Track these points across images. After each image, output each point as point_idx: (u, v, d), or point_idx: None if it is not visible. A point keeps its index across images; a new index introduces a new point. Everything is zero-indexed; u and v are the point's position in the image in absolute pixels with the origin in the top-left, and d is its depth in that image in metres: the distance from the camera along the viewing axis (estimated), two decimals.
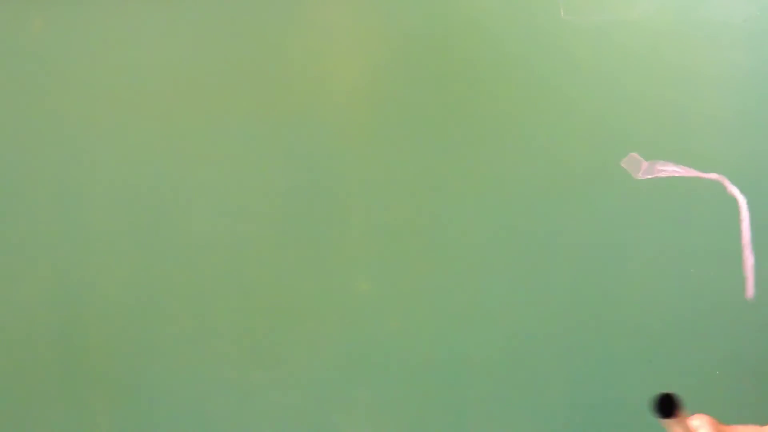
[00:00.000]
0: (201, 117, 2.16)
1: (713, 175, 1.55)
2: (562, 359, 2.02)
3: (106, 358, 2.19)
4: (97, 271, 2.19)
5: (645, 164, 1.56)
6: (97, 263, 2.19)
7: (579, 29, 1.98)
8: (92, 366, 2.20)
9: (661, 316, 1.98)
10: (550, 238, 2.02)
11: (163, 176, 2.17)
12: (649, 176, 1.54)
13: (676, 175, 1.55)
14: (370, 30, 2.11)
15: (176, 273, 2.17)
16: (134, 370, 2.19)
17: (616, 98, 1.98)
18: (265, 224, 2.13)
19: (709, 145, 1.95)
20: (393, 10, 2.08)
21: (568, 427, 2.02)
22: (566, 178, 2.00)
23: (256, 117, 2.14)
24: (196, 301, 2.16)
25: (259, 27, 2.14)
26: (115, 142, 2.18)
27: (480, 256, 2.05)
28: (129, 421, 2.19)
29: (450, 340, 2.07)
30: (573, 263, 2.01)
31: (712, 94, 1.95)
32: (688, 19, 1.95)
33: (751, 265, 1.50)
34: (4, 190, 2.24)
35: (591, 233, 2.00)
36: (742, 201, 1.49)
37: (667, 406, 1.07)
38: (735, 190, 1.48)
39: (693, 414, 1.32)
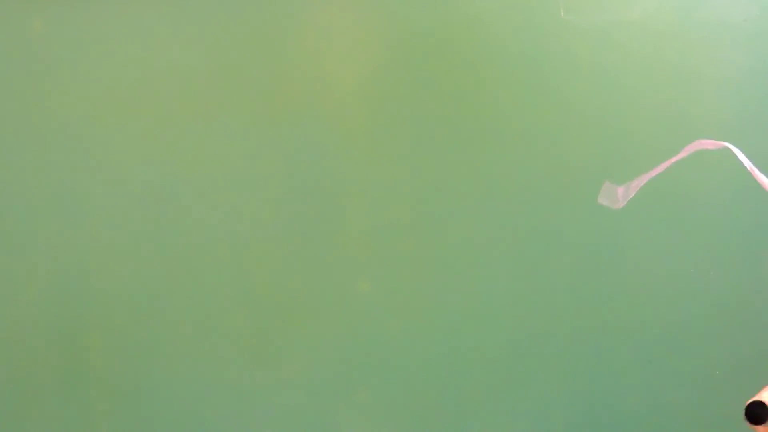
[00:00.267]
0: (201, 117, 2.16)
1: (686, 150, 1.55)
2: (563, 359, 2.02)
3: (106, 358, 2.19)
4: (97, 271, 2.19)
5: (620, 189, 1.55)
6: (98, 263, 2.19)
7: (579, 29, 1.98)
8: (92, 366, 2.20)
9: (661, 316, 1.98)
10: (550, 238, 2.02)
11: (164, 176, 2.17)
12: (629, 198, 1.54)
13: (655, 174, 1.55)
14: (370, 30, 2.11)
15: (176, 273, 2.17)
16: (134, 370, 2.18)
17: (616, 98, 1.98)
18: (265, 224, 2.13)
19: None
20: (393, 10, 2.08)
21: (568, 427, 2.02)
22: (566, 177, 2.00)
23: (257, 117, 2.14)
24: (196, 302, 2.16)
25: (259, 27, 2.14)
26: (116, 142, 2.18)
27: (480, 256, 2.05)
28: (129, 421, 2.19)
29: (450, 340, 2.07)
30: (573, 263, 2.01)
31: (712, 94, 1.95)
32: (688, 19, 1.95)
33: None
34: (4, 190, 2.24)
35: (591, 233, 2.00)
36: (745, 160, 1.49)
37: (758, 414, 1.06)
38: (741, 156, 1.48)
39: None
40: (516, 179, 2.03)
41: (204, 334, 2.16)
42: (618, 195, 1.52)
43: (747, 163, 1.46)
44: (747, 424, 1.06)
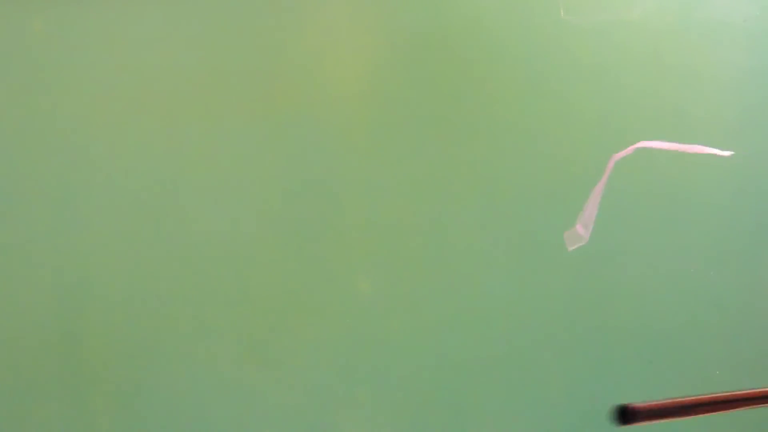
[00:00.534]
0: (201, 117, 2.16)
1: (607, 170, 1.56)
2: (563, 360, 2.02)
3: (106, 358, 2.19)
4: (97, 271, 2.19)
5: (579, 227, 1.57)
6: (98, 263, 2.19)
7: (579, 29, 1.99)
8: (92, 366, 2.20)
9: (661, 317, 1.98)
10: (551, 238, 2.02)
11: (164, 176, 2.17)
12: (591, 228, 1.56)
13: (596, 202, 1.56)
14: (370, 30, 2.11)
15: (176, 273, 2.17)
16: (134, 370, 2.19)
17: (616, 98, 1.98)
18: (265, 224, 2.14)
19: (709, 145, 1.95)
20: (393, 10, 2.08)
21: (568, 427, 2.02)
22: (566, 177, 2.01)
23: (256, 117, 2.14)
24: (196, 301, 2.16)
25: (259, 27, 2.14)
26: (115, 142, 2.18)
27: (480, 257, 2.05)
28: (129, 421, 2.19)
29: (450, 340, 2.07)
30: (573, 263, 2.01)
31: (712, 94, 1.95)
32: (688, 19, 1.95)
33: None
34: (4, 190, 2.24)
35: (591, 233, 2.00)
36: (678, 145, 1.51)
37: (625, 417, 1.09)
38: (674, 145, 1.51)
39: None
40: (516, 179, 2.03)
41: (204, 334, 2.16)
42: (579, 233, 1.54)
43: (682, 146, 1.48)
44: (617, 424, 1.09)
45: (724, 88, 1.95)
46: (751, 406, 1.28)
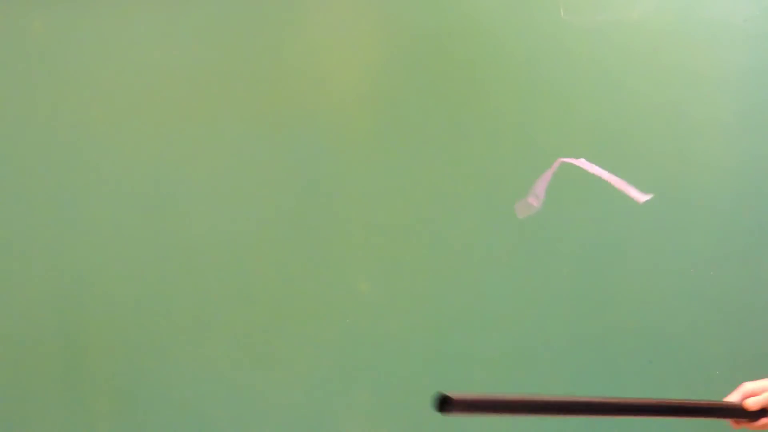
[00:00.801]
0: (201, 117, 2.16)
1: (579, 161, 1.57)
2: (563, 359, 2.02)
3: (106, 359, 2.19)
4: (97, 271, 2.19)
5: (530, 198, 1.58)
6: (98, 264, 2.19)
7: (579, 29, 1.98)
8: (92, 366, 2.20)
9: (661, 317, 1.98)
10: (550, 238, 2.02)
11: (164, 176, 2.17)
12: (538, 203, 1.56)
13: (544, 183, 1.57)
14: (370, 30, 2.11)
15: (176, 273, 2.17)
16: (134, 371, 2.18)
17: (616, 98, 1.98)
18: (265, 225, 2.13)
19: (709, 145, 1.95)
20: (393, 10, 2.08)
21: (568, 427, 2.02)
22: (566, 177, 2.00)
23: (257, 118, 2.14)
24: (196, 302, 2.16)
25: (259, 27, 2.14)
26: (115, 142, 2.18)
27: (480, 257, 2.05)
28: (129, 421, 2.19)
29: (449, 339, 2.07)
30: (573, 264, 2.01)
31: (712, 94, 1.95)
32: (688, 19, 1.95)
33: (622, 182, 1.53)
34: (4, 189, 2.24)
35: (591, 234, 2.00)
36: (597, 169, 1.53)
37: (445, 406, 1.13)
38: (596, 169, 1.52)
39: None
40: (516, 179, 2.03)
41: (204, 335, 2.16)
42: (531, 203, 1.55)
43: (604, 173, 1.49)
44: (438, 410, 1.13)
45: (724, 88, 1.94)
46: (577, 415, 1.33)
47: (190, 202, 2.16)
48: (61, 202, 2.21)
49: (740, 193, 1.94)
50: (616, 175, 1.96)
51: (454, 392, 1.10)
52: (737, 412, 1.33)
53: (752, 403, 1.32)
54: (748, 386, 1.34)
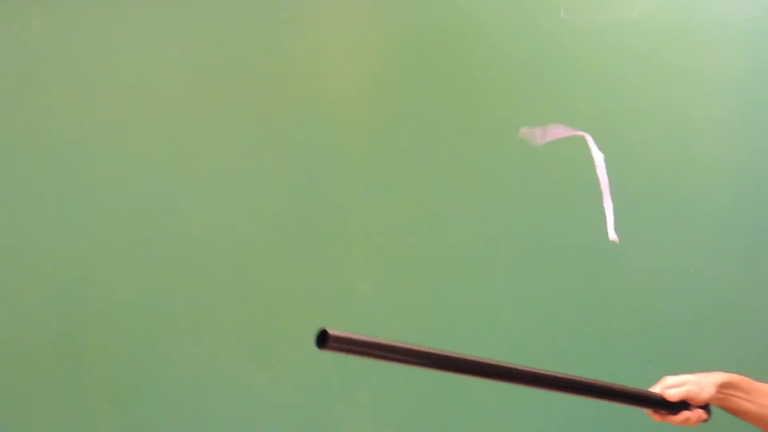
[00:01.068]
0: (201, 117, 2.16)
1: (580, 132, 1.58)
2: (563, 359, 2.01)
3: (106, 359, 2.19)
4: (97, 272, 2.19)
5: (539, 130, 1.59)
6: (98, 264, 2.19)
7: (579, 29, 1.98)
8: (92, 366, 2.20)
9: (661, 316, 1.98)
10: (550, 238, 2.02)
11: (164, 177, 2.17)
12: (540, 141, 1.58)
13: (557, 132, 1.59)
14: (370, 30, 2.11)
15: (176, 273, 2.17)
16: (134, 371, 2.18)
17: (616, 98, 1.98)
18: (265, 225, 2.13)
19: (709, 145, 1.96)
20: (393, 10, 2.08)
21: (568, 427, 2.02)
22: (566, 178, 2.00)
23: (257, 117, 2.14)
24: (196, 302, 2.16)
25: (260, 26, 2.14)
26: (115, 142, 2.18)
27: (480, 257, 2.05)
28: (129, 421, 2.19)
29: (450, 339, 2.06)
30: (573, 263, 2.01)
31: (712, 94, 1.95)
32: (688, 19, 1.95)
33: (610, 208, 1.55)
34: (4, 189, 2.24)
35: (591, 234, 2.00)
36: (599, 157, 1.54)
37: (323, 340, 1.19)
38: (594, 148, 1.54)
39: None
40: (516, 179, 2.03)
41: (204, 335, 2.16)
42: (537, 135, 1.57)
43: (597, 157, 1.51)
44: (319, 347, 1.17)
45: (724, 88, 1.94)
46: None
47: (190, 201, 2.16)
48: (61, 202, 2.21)
49: (740, 193, 1.94)
50: (617, 175, 1.96)
51: (333, 329, 1.18)
52: (658, 402, 1.34)
53: (672, 394, 1.33)
54: (669, 380, 1.36)
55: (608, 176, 1.97)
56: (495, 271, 2.04)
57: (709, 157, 1.96)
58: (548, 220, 2.01)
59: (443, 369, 1.30)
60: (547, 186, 2.01)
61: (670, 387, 1.35)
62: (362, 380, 2.10)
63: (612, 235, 1.58)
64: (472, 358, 1.27)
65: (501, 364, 1.28)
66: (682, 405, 1.34)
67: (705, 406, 1.36)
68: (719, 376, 1.37)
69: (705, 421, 1.36)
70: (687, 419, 1.34)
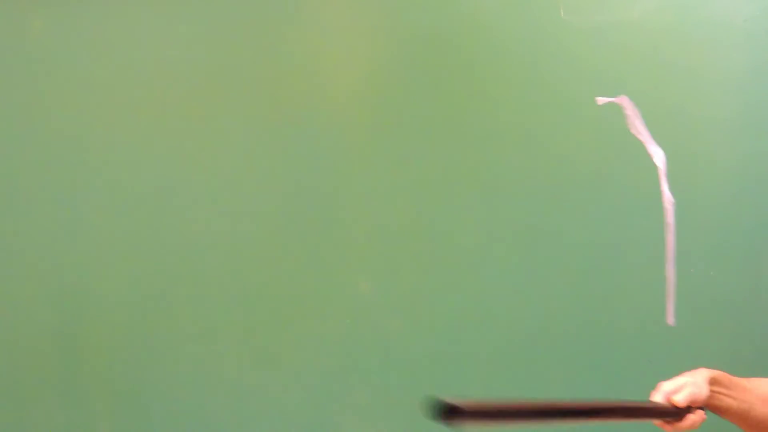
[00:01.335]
0: (201, 117, 2.16)
1: (658, 154, 1.57)
2: (562, 359, 2.02)
3: (106, 359, 2.19)
4: (97, 271, 2.19)
5: (625, 99, 1.59)
6: (97, 263, 2.19)
7: (579, 29, 1.98)
8: (92, 366, 2.20)
9: (660, 316, 1.98)
10: (550, 238, 2.02)
11: (164, 176, 2.17)
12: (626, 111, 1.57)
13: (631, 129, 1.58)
14: (370, 30, 2.11)
15: (177, 273, 2.17)
16: (134, 370, 2.18)
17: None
18: (265, 225, 2.13)
19: (709, 145, 1.95)
20: (393, 10, 2.08)
21: (567, 428, 2.01)
22: (566, 178, 2.00)
23: (257, 118, 2.14)
24: (196, 302, 2.16)
25: (259, 27, 2.14)
26: (115, 142, 2.18)
27: (480, 257, 2.05)
28: (129, 421, 2.19)
29: (450, 340, 2.06)
30: (573, 263, 2.01)
31: (712, 94, 1.95)
32: (688, 19, 1.95)
33: (673, 284, 1.53)
34: (4, 189, 2.24)
35: (591, 233, 2.00)
36: (669, 201, 1.52)
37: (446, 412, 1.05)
38: (665, 187, 1.52)
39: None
40: (516, 179, 2.03)
41: (204, 335, 2.16)
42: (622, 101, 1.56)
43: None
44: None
45: (724, 88, 1.94)
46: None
47: (191, 201, 2.16)
48: (61, 202, 2.21)
49: (740, 193, 1.94)
50: (617, 175, 1.96)
51: (460, 399, 0.98)
52: (669, 412, 1.30)
53: (681, 399, 1.30)
54: (668, 385, 1.32)
55: (608, 176, 1.98)
56: (495, 271, 2.04)
57: (708, 157, 1.96)
58: (548, 219, 2.01)
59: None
60: (548, 185, 2.01)
61: (672, 392, 1.32)
62: (362, 380, 2.10)
63: (670, 320, 1.54)
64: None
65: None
66: (686, 409, 1.32)
67: (701, 406, 1.34)
68: (705, 373, 1.34)
69: (704, 420, 1.34)
70: (693, 423, 1.32)
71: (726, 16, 1.94)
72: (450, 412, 1.00)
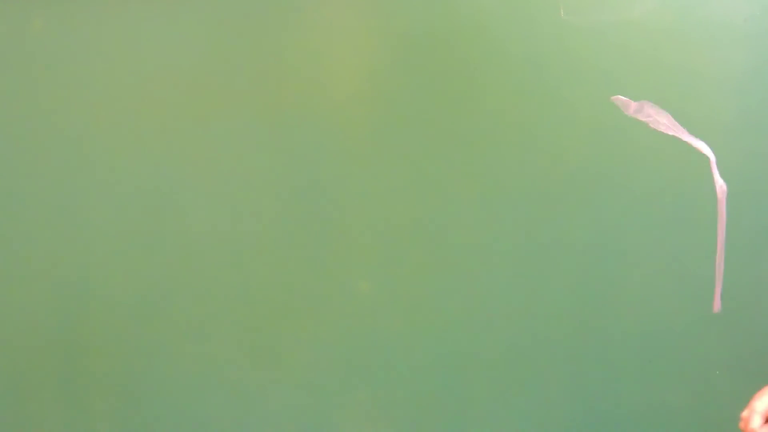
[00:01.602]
0: (201, 117, 2.16)
1: (702, 145, 1.55)
2: (562, 360, 2.02)
3: (106, 359, 2.19)
4: (97, 271, 2.19)
5: (633, 104, 1.58)
6: (97, 263, 2.19)
7: (579, 29, 1.98)
8: (92, 366, 2.20)
9: (660, 317, 1.98)
10: (550, 238, 2.02)
11: (164, 176, 2.17)
12: (638, 116, 1.55)
13: (662, 129, 1.56)
14: (370, 30, 2.10)
15: (176, 273, 2.17)
16: (134, 371, 2.18)
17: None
18: (265, 224, 2.13)
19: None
20: (393, 10, 2.08)
21: (568, 428, 2.02)
22: (566, 178, 2.00)
23: (257, 117, 2.14)
24: (196, 302, 2.16)
25: (259, 27, 2.14)
26: (115, 142, 2.18)
27: (480, 257, 2.05)
28: (129, 422, 2.19)
29: (450, 340, 2.07)
30: (573, 264, 2.01)
31: (712, 94, 1.95)
32: (688, 19, 1.95)
33: (721, 272, 1.51)
34: (4, 190, 2.24)
35: (590, 234, 2.00)
36: (722, 190, 1.51)
37: None
38: (717, 176, 1.50)
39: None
40: (516, 179, 2.03)
41: (204, 335, 2.16)
42: (630, 107, 1.54)
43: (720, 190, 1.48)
44: None
45: (724, 88, 1.94)
46: None
47: (190, 201, 2.16)
48: (61, 202, 2.21)
49: (740, 193, 1.94)
50: (617, 175, 1.96)
51: None
52: None
53: None
54: (760, 405, 1.30)
55: (608, 175, 1.98)
56: (495, 271, 2.04)
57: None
58: (548, 220, 2.01)
59: None
60: (547, 186, 2.01)
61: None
62: (362, 380, 2.10)
63: (717, 306, 1.53)
64: None
65: None
66: None
67: None
68: None
69: None
70: None
71: (726, 16, 1.94)
72: None
